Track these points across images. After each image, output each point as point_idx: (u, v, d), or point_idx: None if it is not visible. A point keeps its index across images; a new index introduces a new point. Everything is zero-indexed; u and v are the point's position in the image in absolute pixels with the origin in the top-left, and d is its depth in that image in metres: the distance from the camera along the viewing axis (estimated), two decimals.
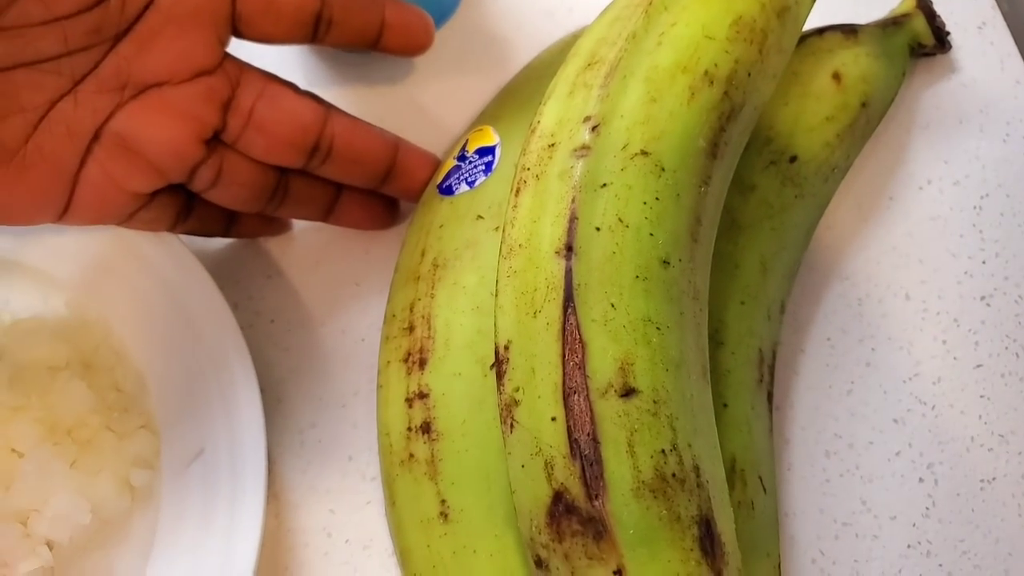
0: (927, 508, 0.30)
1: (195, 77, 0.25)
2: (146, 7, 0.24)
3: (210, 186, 0.27)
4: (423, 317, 0.27)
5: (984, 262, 0.34)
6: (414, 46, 0.30)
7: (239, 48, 0.27)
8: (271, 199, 0.28)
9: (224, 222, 0.30)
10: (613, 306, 0.21)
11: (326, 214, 0.30)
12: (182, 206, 0.28)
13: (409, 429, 0.26)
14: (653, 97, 0.24)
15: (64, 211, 0.25)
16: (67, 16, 0.22)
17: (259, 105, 0.26)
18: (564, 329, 0.21)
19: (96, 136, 0.24)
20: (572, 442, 0.20)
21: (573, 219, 0.22)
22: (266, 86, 0.27)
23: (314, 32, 0.27)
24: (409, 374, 0.26)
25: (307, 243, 0.33)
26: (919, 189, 0.35)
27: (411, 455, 0.25)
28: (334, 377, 0.31)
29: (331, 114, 0.28)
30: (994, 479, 0.31)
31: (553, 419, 0.21)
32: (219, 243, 0.33)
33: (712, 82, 0.24)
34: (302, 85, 0.28)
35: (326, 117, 0.27)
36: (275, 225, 0.32)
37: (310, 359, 0.31)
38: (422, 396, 0.26)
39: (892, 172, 0.36)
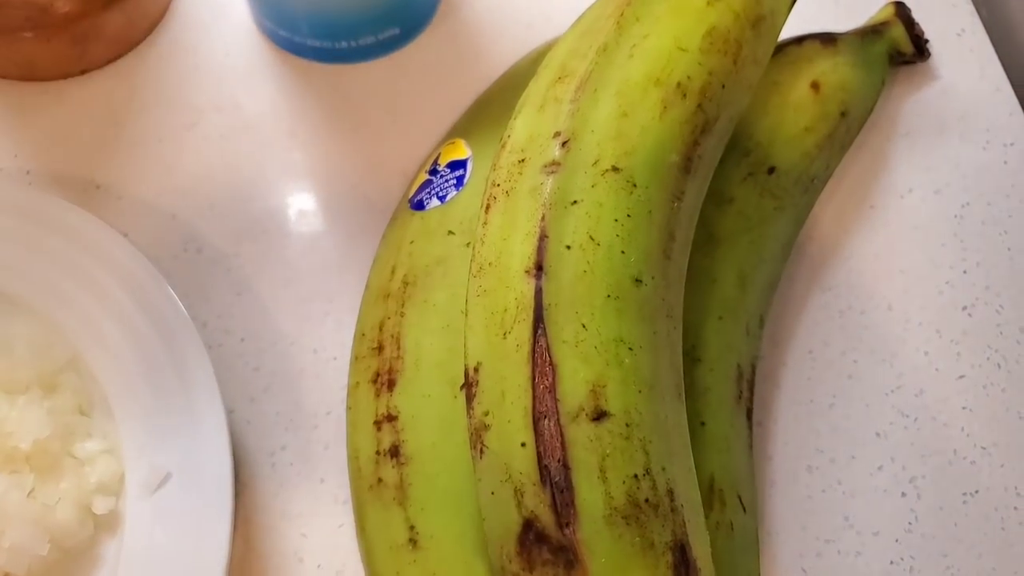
0: (910, 523, 0.30)
1: None
2: None
3: None
4: (392, 336, 0.26)
5: (965, 272, 0.34)
6: None
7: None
8: None
9: None
10: (584, 327, 0.21)
11: None
12: None
13: (378, 453, 0.25)
14: (624, 111, 0.23)
15: None
16: None
17: None
18: (534, 351, 0.21)
19: None
20: (542, 468, 0.20)
21: (543, 237, 0.22)
22: None
23: None
24: (378, 395, 0.26)
25: (278, 260, 0.32)
26: (900, 198, 0.35)
27: (380, 479, 0.25)
28: (306, 397, 0.30)
29: None
30: (977, 492, 0.31)
31: (523, 444, 0.20)
32: (188, 260, 0.32)
33: (685, 95, 0.24)
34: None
35: None
36: None
37: (281, 379, 0.31)
38: (391, 418, 0.25)
39: (873, 181, 0.35)
